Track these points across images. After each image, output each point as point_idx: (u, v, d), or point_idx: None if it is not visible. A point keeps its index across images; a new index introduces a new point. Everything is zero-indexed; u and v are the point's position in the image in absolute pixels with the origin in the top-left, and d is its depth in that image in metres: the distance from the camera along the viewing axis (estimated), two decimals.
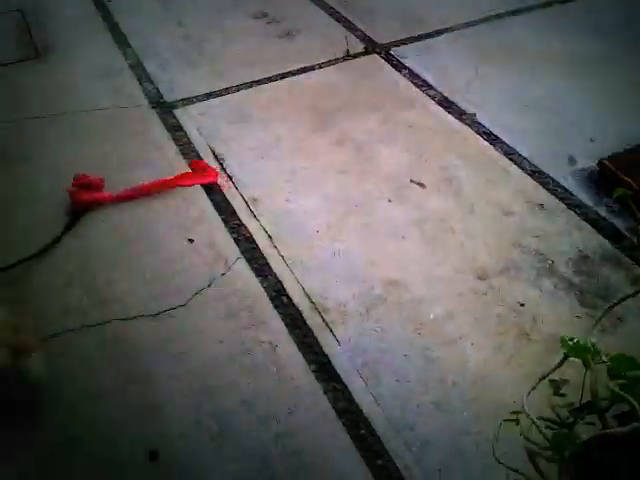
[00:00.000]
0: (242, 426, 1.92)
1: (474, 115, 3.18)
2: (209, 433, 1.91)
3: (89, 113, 3.20)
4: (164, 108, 3.27)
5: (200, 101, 3.35)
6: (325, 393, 2.01)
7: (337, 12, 4.12)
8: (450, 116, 3.19)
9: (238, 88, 3.43)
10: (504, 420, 1.29)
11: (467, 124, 3.13)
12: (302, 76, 3.52)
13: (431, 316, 2.23)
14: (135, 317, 2.24)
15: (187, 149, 3.01)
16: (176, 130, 3.13)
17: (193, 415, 1.95)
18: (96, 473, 1.84)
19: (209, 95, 3.39)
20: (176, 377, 2.06)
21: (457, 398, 1.98)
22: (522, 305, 2.26)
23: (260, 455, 1.85)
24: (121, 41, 3.80)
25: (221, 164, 2.91)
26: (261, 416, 1.94)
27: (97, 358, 2.13)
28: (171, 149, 2.99)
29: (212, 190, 2.76)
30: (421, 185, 2.76)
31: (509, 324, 2.20)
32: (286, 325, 2.22)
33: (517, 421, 1.19)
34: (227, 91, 3.41)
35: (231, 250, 2.48)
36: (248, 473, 1.81)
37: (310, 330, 2.20)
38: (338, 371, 2.08)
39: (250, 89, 3.43)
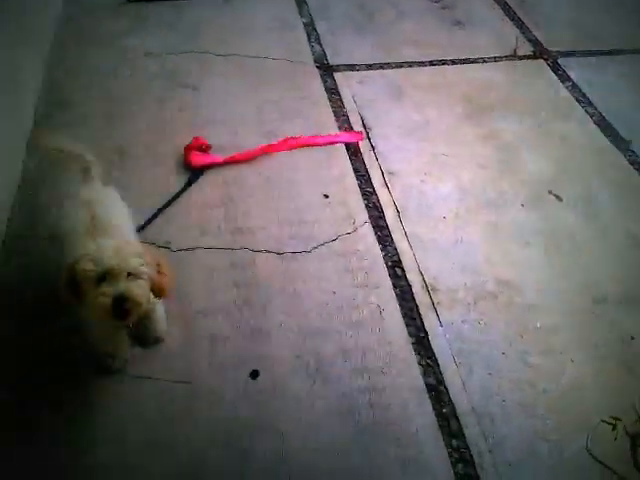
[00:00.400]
0: (336, 371, 2.07)
1: (630, 142, 3.08)
2: (306, 369, 2.08)
3: (259, 60, 3.44)
4: (326, 70, 3.44)
5: (360, 70, 3.49)
6: (419, 365, 2.12)
7: (512, 10, 4.08)
8: (605, 138, 3.11)
9: (399, 65, 3.53)
10: (602, 420, 1.34)
11: (621, 150, 3.05)
12: (463, 66, 3.56)
13: (538, 324, 2.26)
14: (262, 251, 2.45)
15: (339, 112, 3.17)
16: (333, 93, 3.30)
17: (295, 349, 2.13)
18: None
19: (370, 66, 3.52)
20: (287, 312, 2.25)
21: (544, 405, 2.02)
22: (632, 338, 2.23)
23: (347, 401, 2.00)
24: None
25: (367, 133, 3.04)
26: (355, 368, 2.09)
27: (221, 278, 2.36)
28: (325, 109, 3.16)
29: (354, 156, 2.90)
30: (558, 198, 2.75)
31: (614, 352, 2.19)
32: (396, 295, 2.33)
33: (614, 426, 1.24)
34: (388, 65, 3.52)
35: (360, 214, 2.62)
36: (333, 413, 1.96)
37: (417, 305, 2.31)
38: (435, 349, 2.17)
39: (410, 68, 3.52)
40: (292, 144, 2.89)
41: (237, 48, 3.51)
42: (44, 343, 2.07)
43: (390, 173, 2.84)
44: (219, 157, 2.80)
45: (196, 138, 2.82)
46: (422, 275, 2.40)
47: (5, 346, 2.07)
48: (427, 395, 2.04)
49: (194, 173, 2.74)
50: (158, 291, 1.78)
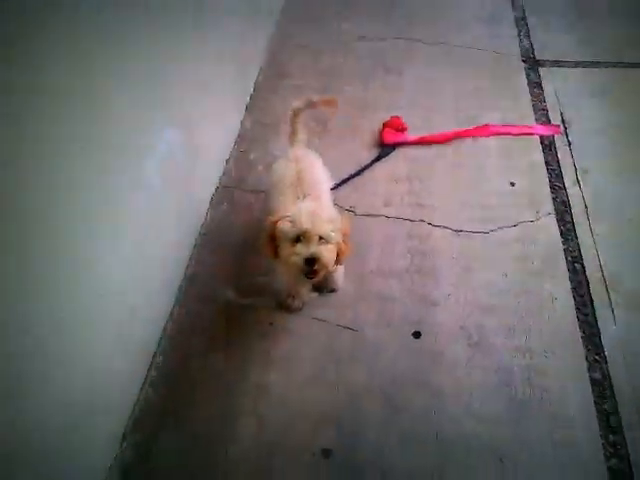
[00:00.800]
0: (498, 346, 2.12)
1: None
2: (467, 339, 2.16)
3: (465, 49, 3.53)
4: (532, 64, 3.42)
5: (566, 67, 3.40)
6: (585, 359, 2.08)
7: None
8: None
9: (606, 65, 3.38)
10: None
11: None
12: None
13: None
14: (440, 226, 2.56)
15: (538, 106, 3.15)
16: (535, 87, 3.27)
17: (460, 320, 2.22)
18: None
19: (577, 64, 3.42)
20: (456, 285, 2.34)
21: None
22: None
23: (505, 375, 2.04)
24: None
25: (565, 129, 2.99)
26: (518, 346, 2.12)
27: (398, 246, 2.51)
28: (525, 102, 3.15)
29: (548, 150, 2.88)
30: None
31: None
32: (572, 288, 2.30)
33: None
34: (595, 65, 3.39)
35: (545, 204, 2.61)
36: (489, 384, 2.02)
37: (592, 301, 2.26)
38: (605, 347, 2.12)
39: (615, 69, 3.35)
40: (486, 131, 2.94)
41: (445, 37, 3.63)
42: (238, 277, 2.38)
43: (584, 171, 2.78)
44: (412, 137, 2.95)
45: (395, 117, 3.00)
46: (602, 273, 2.34)
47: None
48: (590, 387, 2.01)
49: (385, 149, 2.92)
50: (338, 257, 1.94)
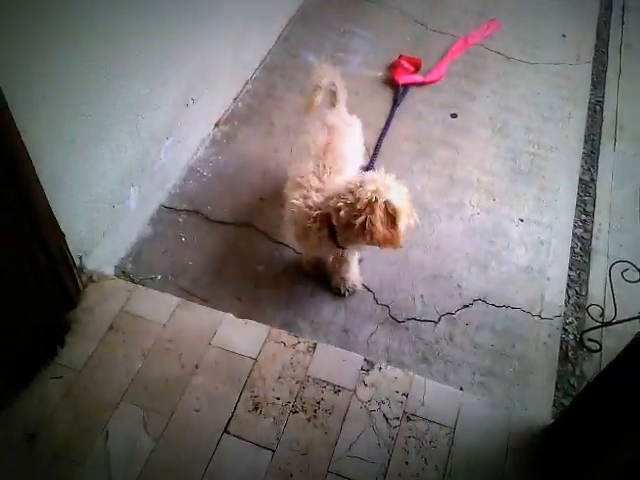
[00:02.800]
0: (515, 136, 2.62)
1: None
2: (492, 126, 2.65)
3: None
4: None
5: None
6: (581, 160, 2.57)
7: None
8: None
9: None
10: None
11: None
12: None
13: None
14: (494, 51, 2.99)
15: (606, 1, 3.48)
16: None
17: (490, 113, 2.69)
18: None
19: None
20: (494, 91, 2.80)
21: None
22: None
23: (514, 154, 2.54)
24: None
25: (621, 25, 3.33)
26: (531, 139, 2.62)
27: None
28: None
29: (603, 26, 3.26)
30: None
31: None
32: (588, 115, 2.77)
33: None
34: None
35: (587, 54, 3.02)
36: (500, 156, 2.52)
37: (601, 128, 2.71)
38: (599, 165, 2.58)
39: None
40: (465, 44, 3.05)
41: None
42: None
43: (627, 45, 3.16)
44: (419, 77, 2.87)
45: (404, 56, 2.92)
46: (616, 116, 2.78)
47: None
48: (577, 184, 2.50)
49: (401, 91, 2.81)
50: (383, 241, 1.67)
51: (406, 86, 2.82)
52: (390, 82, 2.87)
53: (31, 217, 1.51)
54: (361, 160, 2.13)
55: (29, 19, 1.39)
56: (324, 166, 1.81)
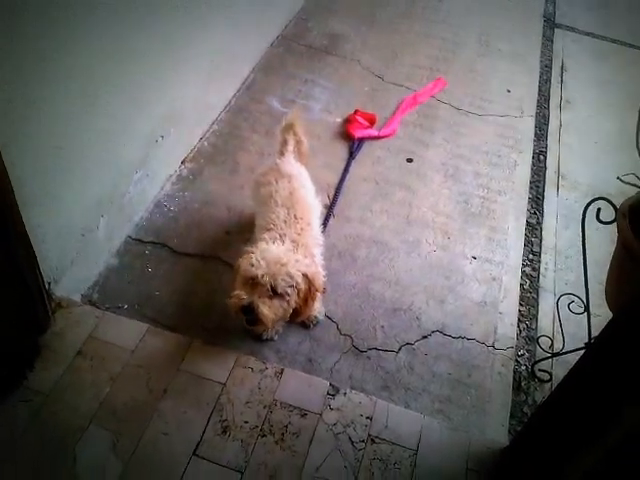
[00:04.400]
0: (466, 180, 2.79)
1: None
2: (445, 172, 2.82)
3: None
4: (550, 24, 4.10)
5: (579, 33, 4.08)
6: (527, 203, 2.76)
7: None
8: None
9: (617, 42, 4.06)
10: None
11: None
12: None
13: None
14: (446, 103, 3.21)
15: (545, 61, 3.79)
16: (547, 41, 3.94)
17: (443, 159, 2.88)
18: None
19: (589, 34, 4.09)
20: (447, 139, 2.99)
21: None
22: None
23: (466, 197, 2.71)
24: None
25: (560, 83, 3.64)
26: (481, 183, 2.79)
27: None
28: (535, 57, 3.79)
29: (544, 84, 3.55)
30: None
31: None
32: (532, 164, 2.98)
33: None
34: (605, 39, 4.07)
35: (530, 110, 3.28)
36: (453, 198, 2.68)
37: (544, 178, 2.93)
38: (545, 209, 2.78)
39: (624, 47, 4.04)
40: (414, 101, 3.21)
41: None
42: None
43: (567, 101, 3.44)
44: (374, 131, 2.98)
45: (359, 111, 3.05)
46: (558, 164, 3.01)
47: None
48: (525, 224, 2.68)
49: (356, 144, 2.91)
50: (299, 312, 1.78)
51: (361, 140, 2.94)
52: (346, 135, 2.97)
53: (7, 240, 1.52)
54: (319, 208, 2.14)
55: None
56: (294, 216, 1.87)
